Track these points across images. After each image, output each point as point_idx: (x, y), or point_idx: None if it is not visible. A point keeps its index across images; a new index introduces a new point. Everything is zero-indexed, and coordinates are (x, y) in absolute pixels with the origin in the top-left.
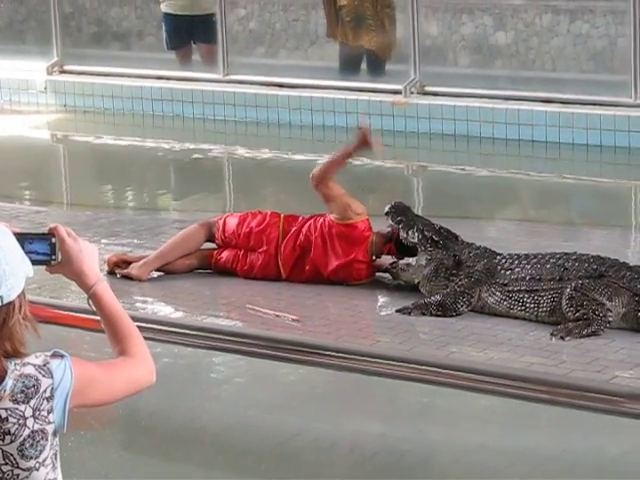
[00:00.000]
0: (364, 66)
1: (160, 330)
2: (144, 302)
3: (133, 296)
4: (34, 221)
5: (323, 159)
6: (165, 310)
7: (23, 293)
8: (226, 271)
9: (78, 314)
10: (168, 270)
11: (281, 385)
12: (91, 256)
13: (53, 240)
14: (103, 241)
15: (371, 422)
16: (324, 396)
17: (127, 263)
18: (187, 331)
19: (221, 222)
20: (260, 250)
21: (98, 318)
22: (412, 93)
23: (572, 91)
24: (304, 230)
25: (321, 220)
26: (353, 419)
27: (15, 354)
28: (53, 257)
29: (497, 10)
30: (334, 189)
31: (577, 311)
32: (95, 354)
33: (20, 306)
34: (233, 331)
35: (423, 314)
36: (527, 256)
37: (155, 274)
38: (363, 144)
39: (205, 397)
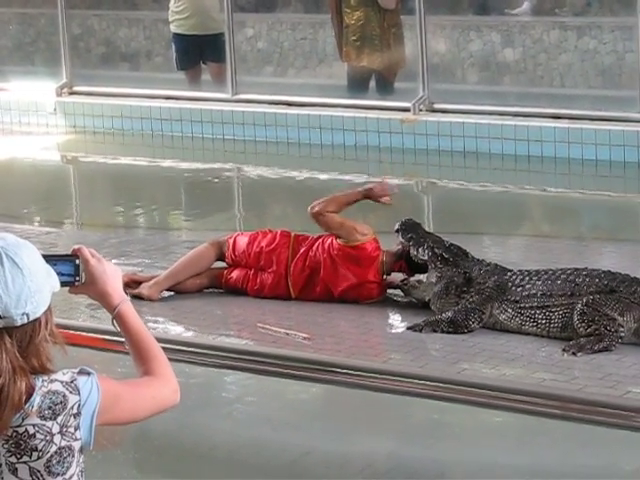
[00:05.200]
0: (372, 84)
1: (171, 349)
2: (155, 322)
3: (144, 316)
4: (44, 242)
5: (336, 177)
6: (176, 329)
7: (49, 309)
8: (237, 290)
9: (88, 334)
10: (179, 289)
11: (292, 403)
12: (115, 277)
13: (77, 261)
14: (114, 261)
15: (382, 439)
16: (335, 414)
17: (138, 283)
18: (198, 350)
19: (231, 241)
20: (270, 270)
21: (107, 337)
22: (421, 110)
23: (581, 107)
24: (312, 250)
25: (329, 241)
26: (364, 437)
27: (42, 370)
28: (77, 278)
29: (505, 27)
30: (334, 218)
31: (589, 327)
32: (106, 375)
33: (46, 322)
34: (244, 349)
35: (434, 331)
36: (538, 272)
37: (166, 293)
38: (372, 197)
39: (216, 416)
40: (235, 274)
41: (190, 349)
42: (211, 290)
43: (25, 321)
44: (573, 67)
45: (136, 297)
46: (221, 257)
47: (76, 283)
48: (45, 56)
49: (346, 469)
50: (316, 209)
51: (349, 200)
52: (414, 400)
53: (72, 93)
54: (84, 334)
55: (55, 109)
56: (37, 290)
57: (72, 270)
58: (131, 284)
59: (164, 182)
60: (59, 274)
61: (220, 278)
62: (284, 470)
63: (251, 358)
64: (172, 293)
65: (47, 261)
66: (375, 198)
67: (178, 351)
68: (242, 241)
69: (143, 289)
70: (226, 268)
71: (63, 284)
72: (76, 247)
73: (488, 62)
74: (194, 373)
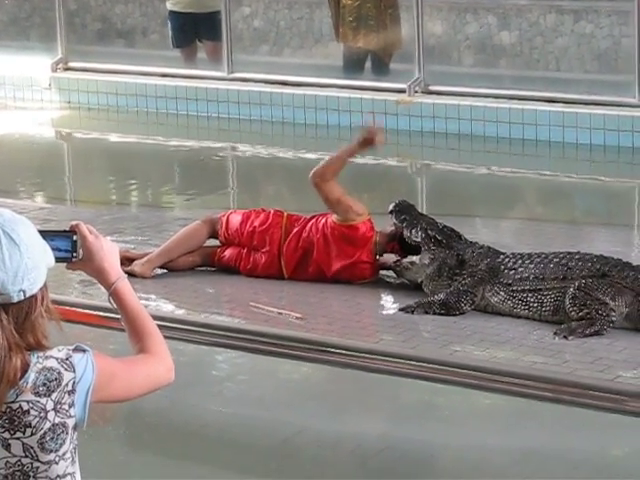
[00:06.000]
0: (368, 65)
1: (163, 327)
2: (147, 299)
3: (136, 293)
4: (38, 217)
5: (325, 157)
6: (168, 307)
7: (45, 285)
8: (229, 269)
9: (81, 310)
10: (171, 267)
11: (284, 382)
12: (112, 254)
13: (74, 237)
14: (107, 238)
15: (374, 420)
16: (327, 393)
17: (130, 260)
18: (190, 327)
19: (224, 219)
20: (263, 250)
21: (100, 314)
22: (416, 92)
23: (576, 91)
24: (306, 230)
25: (323, 220)
26: (356, 417)
27: (38, 347)
28: (74, 254)
29: (501, 10)
30: (334, 190)
31: (580, 310)
32: (99, 351)
33: (42, 298)
34: (236, 328)
35: (426, 313)
36: (530, 255)
37: (158, 271)
38: (367, 143)
39: (207, 394)
40: (228, 253)
41: (182, 327)
42: (204, 268)
43: (22, 298)
44: (569, 51)
45: (128, 274)
46: (214, 235)
47: (73, 259)
48: (40, 31)
49: (337, 449)
50: (317, 174)
51: (347, 156)
52: (405, 381)
53: (67, 69)
54: (77, 310)
55: (50, 85)
56: (34, 266)
57: (69, 246)
58: (124, 261)
59: (158, 159)
60: (56, 250)
61: (213, 256)
62: (275, 449)
63: (243, 336)
64: (165, 271)
65: (44, 237)
66: (371, 143)
67: (170, 328)
68: (235, 219)
69: (136, 266)
70: (219, 246)
71: (60, 260)
72: (74, 223)
73: (484, 45)
74: (185, 351)
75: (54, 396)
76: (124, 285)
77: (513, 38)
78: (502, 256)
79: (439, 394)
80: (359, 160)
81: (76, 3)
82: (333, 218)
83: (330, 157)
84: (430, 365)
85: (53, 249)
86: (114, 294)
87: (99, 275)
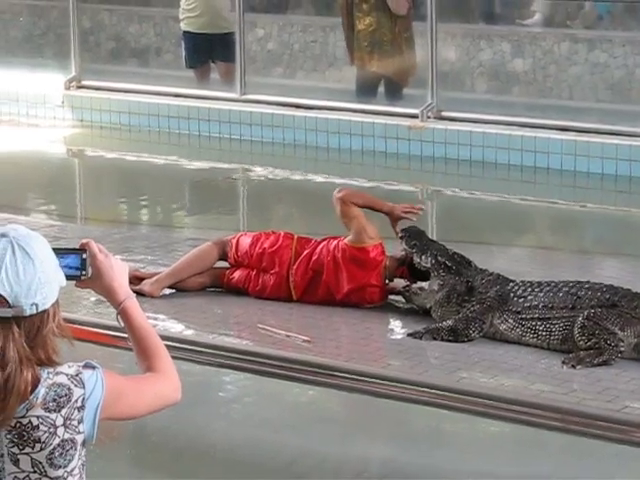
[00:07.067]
0: (381, 89)
1: (171, 347)
2: (155, 319)
3: (145, 312)
4: (48, 235)
5: (342, 181)
6: (176, 327)
7: (57, 302)
8: (238, 290)
9: (89, 328)
10: (180, 287)
11: (290, 405)
12: (121, 273)
13: (84, 255)
14: (116, 257)
15: (379, 445)
16: (333, 417)
17: (140, 279)
18: (198, 348)
19: (234, 241)
20: (272, 271)
21: (108, 332)
22: (429, 118)
23: (589, 120)
24: (316, 253)
25: (334, 243)
26: (362, 441)
27: (48, 362)
28: (84, 272)
29: (515, 37)
30: (353, 209)
31: (589, 340)
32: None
33: (54, 315)
34: (244, 350)
35: (434, 339)
36: (540, 284)
37: (167, 291)
38: (397, 218)
39: (214, 415)
40: (237, 274)
41: (189, 347)
42: (212, 289)
43: (34, 312)
44: (582, 80)
45: (137, 293)
46: (224, 257)
47: (82, 277)
48: (55, 49)
49: (342, 473)
50: (342, 194)
51: (375, 205)
52: (412, 406)
53: (80, 87)
54: (85, 328)
55: (63, 102)
56: (47, 281)
57: (79, 264)
58: (133, 280)
59: (169, 179)
60: (66, 267)
61: (222, 278)
62: (280, 472)
63: (250, 358)
64: (173, 291)
65: (55, 254)
66: (396, 217)
67: (177, 349)
68: (245, 242)
69: (145, 286)
70: (228, 268)
71: (69, 277)
72: (84, 241)
73: (497, 72)
74: (192, 371)
75: (64, 412)
76: (132, 304)
77: (527, 66)
78: (512, 284)
79: (445, 421)
80: (370, 185)
81: (91, 22)
82: (345, 240)
83: (362, 192)
84: (437, 391)
85: (63, 267)
86: (122, 313)
87: (108, 294)
